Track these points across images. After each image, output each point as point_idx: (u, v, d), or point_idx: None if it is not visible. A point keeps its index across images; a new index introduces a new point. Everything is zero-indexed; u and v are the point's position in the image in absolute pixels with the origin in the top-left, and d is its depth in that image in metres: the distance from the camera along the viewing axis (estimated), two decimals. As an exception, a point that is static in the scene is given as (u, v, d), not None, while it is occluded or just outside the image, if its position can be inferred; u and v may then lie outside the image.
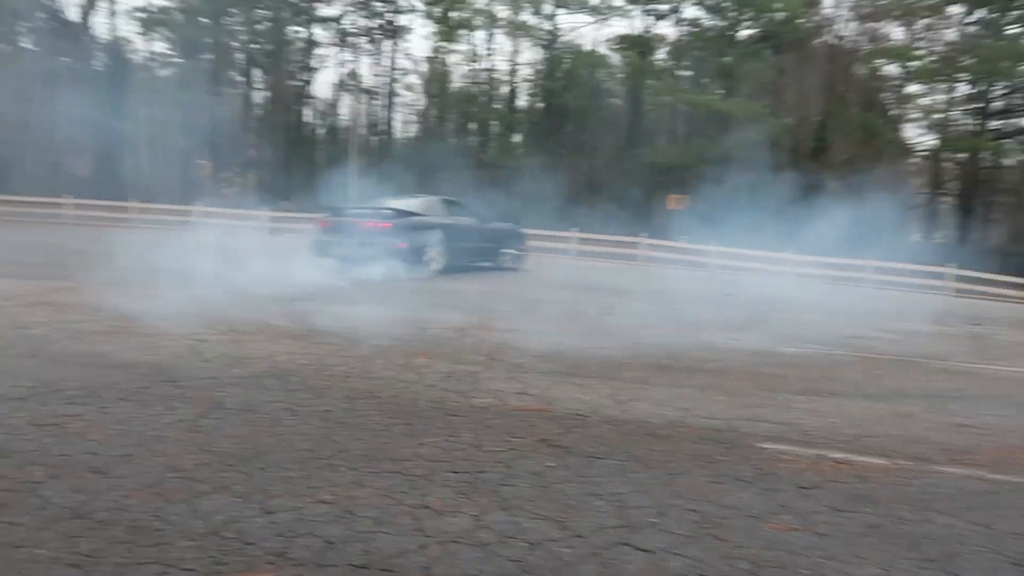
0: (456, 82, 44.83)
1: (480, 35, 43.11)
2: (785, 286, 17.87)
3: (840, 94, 39.61)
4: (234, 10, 38.90)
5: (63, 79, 28.23)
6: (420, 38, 58.04)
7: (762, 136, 35.05)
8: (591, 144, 43.82)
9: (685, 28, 41.76)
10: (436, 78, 44.10)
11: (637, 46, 43.26)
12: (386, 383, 4.41)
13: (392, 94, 44.42)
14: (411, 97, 45.76)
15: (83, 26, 35.09)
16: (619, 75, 45.92)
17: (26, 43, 33.91)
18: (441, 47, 42.45)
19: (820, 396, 4.70)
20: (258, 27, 40.48)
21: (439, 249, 11.25)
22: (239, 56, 40.76)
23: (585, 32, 58.63)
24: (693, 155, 38.10)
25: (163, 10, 38.16)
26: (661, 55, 46.47)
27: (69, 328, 5.57)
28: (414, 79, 45.08)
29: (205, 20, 38.23)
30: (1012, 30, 35.74)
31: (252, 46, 40.59)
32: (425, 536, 2.45)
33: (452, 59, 43.83)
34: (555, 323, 7.16)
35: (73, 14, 34.92)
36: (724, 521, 2.71)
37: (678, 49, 43.61)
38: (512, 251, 14.27)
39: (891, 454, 3.57)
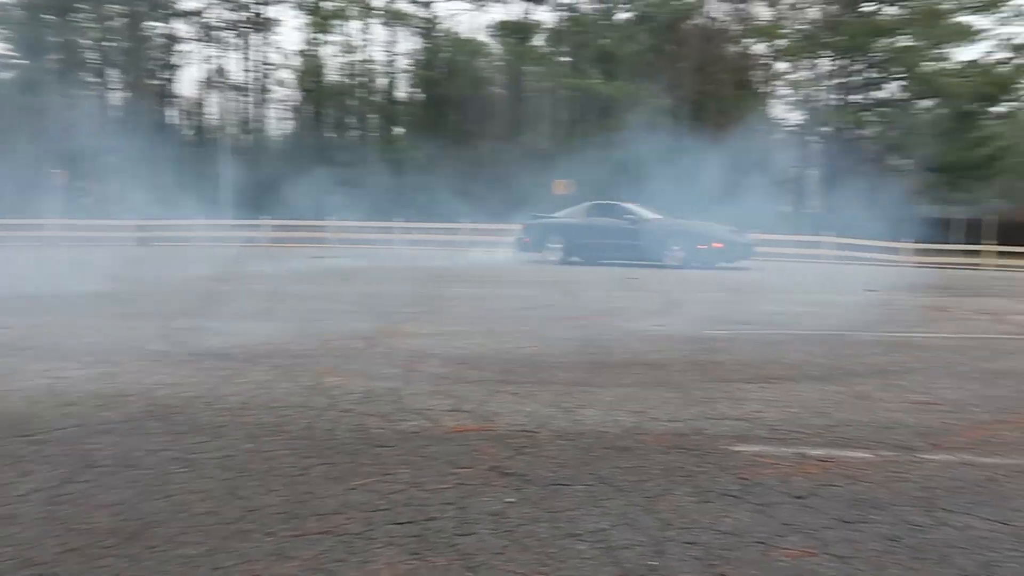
0: (331, 75, 43.26)
1: (355, 25, 41.71)
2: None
3: (713, 73, 40.90)
4: (83, 6, 35.91)
5: None
6: (291, 30, 55.75)
7: (643, 117, 35.69)
8: (475, 133, 43.39)
9: (564, 12, 41.87)
10: (310, 71, 42.38)
11: (516, 32, 43.12)
12: (295, 412, 3.77)
13: (264, 90, 42.37)
14: (284, 92, 43.75)
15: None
16: (499, 62, 45.65)
17: None
18: (314, 39, 40.82)
19: (769, 382, 4.41)
20: (111, 24, 37.54)
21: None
22: (91, 55, 37.70)
23: (463, 19, 58.03)
24: (576, 139, 38.37)
25: (1, 7, 34.78)
26: (540, 41, 46.58)
27: None
28: (286, 73, 43.10)
29: (50, 17, 35.11)
30: (867, 7, 37.86)
31: (105, 44, 37.63)
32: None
33: (326, 51, 42.24)
34: (467, 323, 6.64)
35: None
36: (730, 553, 2.28)
37: (557, 34, 43.76)
38: None
39: (870, 445, 3.27)
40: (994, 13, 35.76)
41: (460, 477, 2.90)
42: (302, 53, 41.73)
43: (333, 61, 42.85)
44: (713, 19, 41.43)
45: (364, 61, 42.95)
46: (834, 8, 38.25)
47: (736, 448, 3.23)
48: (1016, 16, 37.02)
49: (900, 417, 3.68)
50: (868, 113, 39.46)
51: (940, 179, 35.85)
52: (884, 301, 9.00)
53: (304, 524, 2.47)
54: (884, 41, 36.47)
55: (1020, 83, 36.24)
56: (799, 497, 2.71)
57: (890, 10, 37.75)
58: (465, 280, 11.19)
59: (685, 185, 32.79)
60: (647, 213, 16.58)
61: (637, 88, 36.65)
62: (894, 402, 3.97)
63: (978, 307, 8.52)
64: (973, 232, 26.10)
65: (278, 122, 44.58)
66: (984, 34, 37.67)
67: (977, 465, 3.03)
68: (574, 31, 42.80)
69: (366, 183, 26.80)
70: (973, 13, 35.92)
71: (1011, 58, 36.79)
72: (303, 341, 5.67)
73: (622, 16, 41.91)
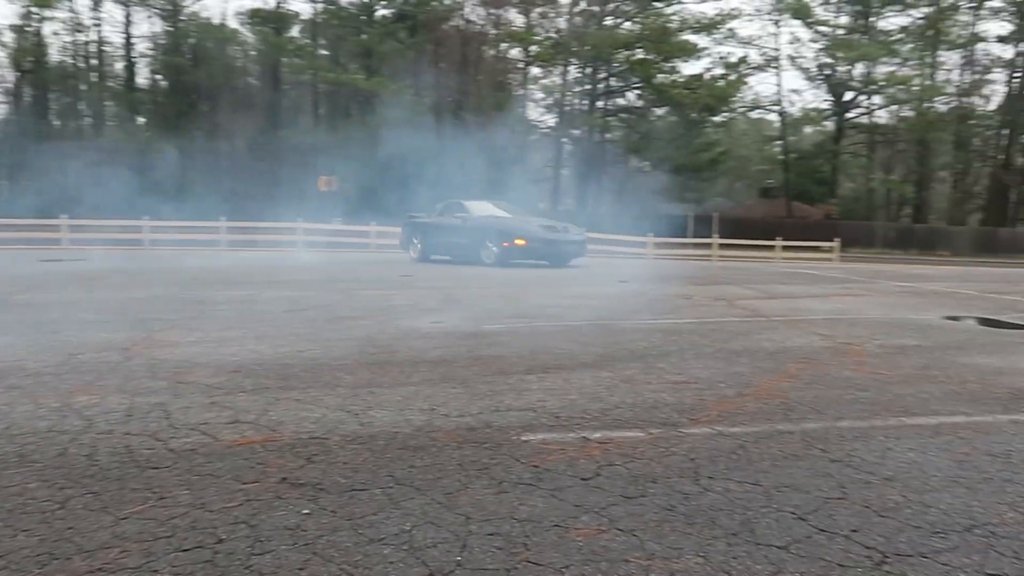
0: (54, 55, 38.47)
1: (83, 1, 37.42)
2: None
3: (473, 75, 42.06)
4: None
5: None
6: (2, 3, 48.73)
7: (405, 114, 35.82)
8: (228, 126, 40.89)
9: (321, 5, 40.72)
10: (27, 50, 37.33)
11: (271, 21, 41.21)
12: (42, 439, 3.31)
13: (-33, 68, 36.71)
14: (-6, 71, 38.22)
15: None
16: (253, 52, 43.38)
17: None
18: (33, 13, 35.98)
19: (548, 372, 4.65)
20: None
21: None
22: None
23: (212, 5, 54.36)
24: (339, 135, 37.57)
25: None
26: (297, 32, 44.97)
27: None
28: (-3, 51, 37.67)
29: None
30: (609, 21, 41.03)
31: None
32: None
33: (48, 28, 37.45)
34: (237, 328, 6.26)
35: None
36: (530, 539, 2.38)
37: (315, 26, 42.46)
38: None
39: (641, 424, 3.57)
40: (712, 34, 40.49)
41: (248, 493, 2.74)
42: (17, 29, 36.64)
43: (57, 40, 38.15)
44: (470, 22, 42.62)
45: (95, 42, 38.70)
46: (579, 20, 41.08)
47: (524, 438, 3.37)
48: (728, 38, 42.23)
49: (662, 397, 4.06)
50: (613, 119, 42.87)
51: (675, 180, 39.82)
52: (636, 292, 9.85)
53: (69, 565, 2.20)
54: (624, 53, 39.81)
55: (735, 96, 41.36)
56: (586, 479, 2.90)
57: (628, 25, 41.32)
58: (230, 282, 10.52)
59: (445, 183, 33.46)
60: (480, 210, 16.17)
61: (399, 85, 36.65)
62: (655, 383, 4.36)
63: (713, 294, 9.62)
64: (703, 227, 29.37)
65: (-11, 106, 38.92)
66: (706, 51, 42.50)
67: (728, 435, 3.43)
68: (332, 24, 41.83)
69: (105, 176, 24.17)
70: (695, 33, 40.41)
71: (726, 74, 41.91)
72: (42, 356, 5.00)
73: (381, 13, 41.65)
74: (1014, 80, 48.49)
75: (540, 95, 47.04)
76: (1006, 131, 48.90)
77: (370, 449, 3.22)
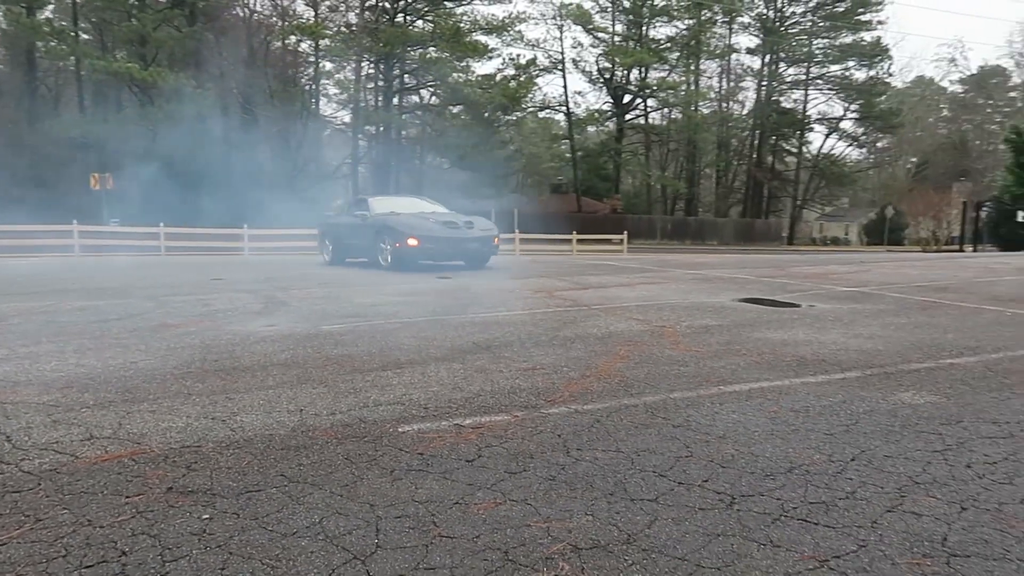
0: None
1: None
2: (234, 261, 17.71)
3: (260, 68, 40.29)
4: None
5: None
6: None
7: (189, 108, 33.63)
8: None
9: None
10: None
11: (22, 1, 36.79)
12: None
13: None
14: None
15: None
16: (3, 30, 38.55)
17: None
18: None
19: (402, 368, 4.80)
20: None
21: None
22: None
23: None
24: (112, 128, 34.48)
25: None
26: (50, 13, 40.62)
27: None
28: None
29: None
30: (399, 18, 41.01)
31: None
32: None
33: None
34: (48, 342, 5.77)
35: None
36: (437, 518, 2.58)
37: (74, 8, 38.49)
38: None
39: (505, 408, 3.86)
40: (502, 36, 41.89)
41: (137, 505, 2.68)
42: None
43: None
44: (254, 12, 40.81)
45: None
46: (368, 15, 40.73)
47: (402, 429, 3.53)
48: (516, 40, 43.91)
49: (517, 383, 4.39)
50: (408, 115, 43.01)
51: (473, 177, 40.81)
52: (459, 286, 10.17)
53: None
54: (419, 51, 40.08)
55: (526, 96, 43.10)
56: (470, 460, 3.13)
57: (420, 23, 41.62)
58: (11, 293, 9.47)
59: (237, 180, 31.97)
60: (381, 207, 14.70)
61: (178, 76, 34.27)
62: (507, 371, 4.68)
63: (532, 287, 10.17)
64: (504, 222, 30.43)
65: None
66: (496, 52, 43.87)
67: (584, 412, 3.82)
68: (98, 7, 38.19)
69: None
70: (486, 34, 41.61)
71: (517, 75, 43.57)
72: None
73: (155, -3, 38.69)
74: (762, 87, 54.94)
75: (334, 90, 46.09)
76: (757, 132, 55.27)
77: (251, 452, 3.23)
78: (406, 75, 42.23)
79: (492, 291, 9.52)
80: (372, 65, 41.37)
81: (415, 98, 44.42)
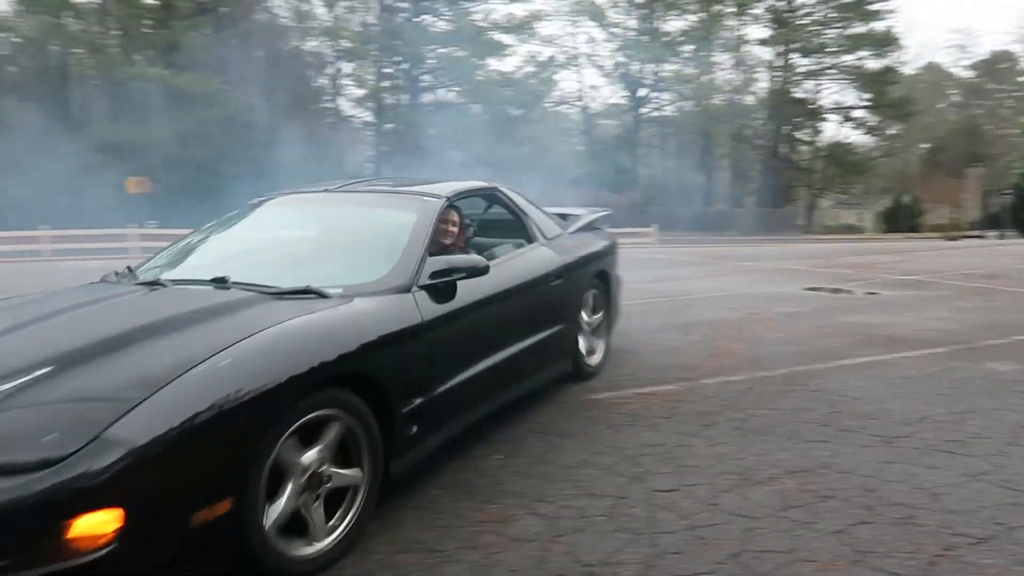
0: None
1: None
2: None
3: (285, 69, 41.20)
4: None
5: None
6: None
7: (224, 112, 34.58)
8: (7, 123, 37.03)
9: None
10: None
11: (51, 9, 37.80)
12: None
13: None
14: None
15: None
16: (20, 39, 39.56)
17: None
18: None
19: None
20: None
21: None
22: None
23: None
24: (149, 133, 35.49)
25: None
26: (84, 20, 41.51)
27: None
28: None
29: None
30: (421, 19, 41.83)
31: None
32: None
33: None
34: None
35: None
36: (672, 454, 3.44)
37: (103, 14, 39.49)
38: None
39: (668, 381, 4.73)
40: (521, 34, 42.69)
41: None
42: None
43: None
44: (275, 15, 41.73)
45: None
46: (388, 15, 41.56)
47: (592, 397, 4.40)
48: (532, 36, 44.67)
49: (664, 361, 5.26)
50: (431, 114, 43.85)
51: (494, 174, 41.47)
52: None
53: None
54: (440, 50, 40.92)
55: (547, 93, 43.85)
56: (667, 417, 4.00)
57: (440, 23, 42.45)
58: None
59: (268, 182, 32.67)
60: None
61: (210, 81, 35.25)
62: (647, 353, 5.55)
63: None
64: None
65: None
66: (513, 50, 44.51)
67: (733, 382, 4.68)
68: (126, 13, 39.15)
69: None
70: (505, 32, 42.43)
71: (537, 72, 44.36)
72: None
73: (182, 4, 39.59)
74: (775, 78, 55.56)
75: (356, 91, 46.92)
76: (772, 123, 55.87)
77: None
78: (429, 74, 43.06)
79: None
80: (395, 65, 42.22)
81: (437, 96, 45.22)
